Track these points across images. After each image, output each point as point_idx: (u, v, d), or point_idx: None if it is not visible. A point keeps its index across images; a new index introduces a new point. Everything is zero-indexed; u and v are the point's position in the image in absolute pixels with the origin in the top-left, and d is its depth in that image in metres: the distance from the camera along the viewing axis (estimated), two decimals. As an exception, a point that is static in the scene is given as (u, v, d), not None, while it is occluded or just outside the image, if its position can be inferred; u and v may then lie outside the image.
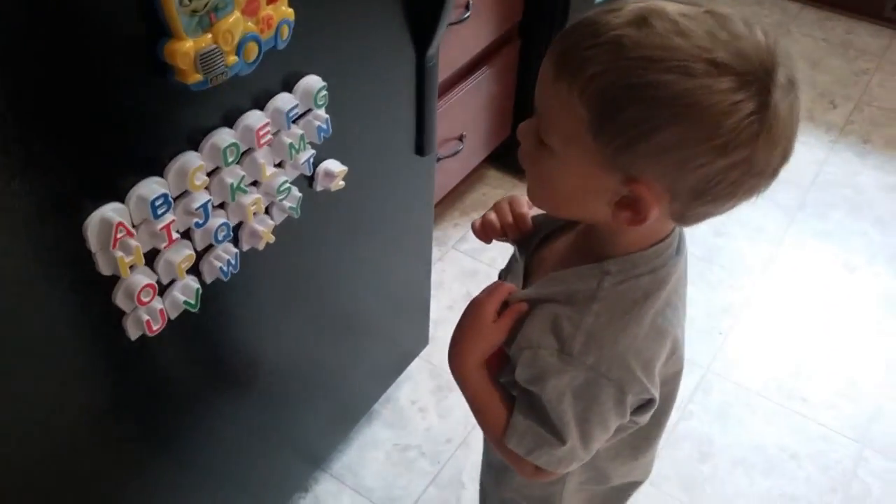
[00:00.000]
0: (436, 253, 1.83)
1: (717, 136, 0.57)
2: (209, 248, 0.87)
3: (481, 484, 1.05)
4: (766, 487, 1.44)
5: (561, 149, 0.63)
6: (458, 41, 1.55)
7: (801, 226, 1.95)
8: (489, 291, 0.77)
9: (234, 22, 0.73)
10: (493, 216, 0.87)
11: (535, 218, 0.85)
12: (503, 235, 0.87)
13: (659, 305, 0.71)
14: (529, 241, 0.84)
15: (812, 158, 2.12)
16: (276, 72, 0.86)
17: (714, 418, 1.53)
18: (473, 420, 0.80)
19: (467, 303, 0.79)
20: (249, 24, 0.75)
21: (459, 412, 1.52)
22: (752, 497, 1.43)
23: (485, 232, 0.88)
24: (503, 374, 0.78)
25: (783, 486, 1.44)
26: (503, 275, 0.91)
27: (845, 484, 1.44)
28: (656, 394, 0.73)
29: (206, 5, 0.70)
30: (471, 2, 1.52)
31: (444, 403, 1.55)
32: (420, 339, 1.54)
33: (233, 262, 0.89)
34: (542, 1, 1.72)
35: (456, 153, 1.71)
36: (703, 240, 1.86)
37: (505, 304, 0.76)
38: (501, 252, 1.85)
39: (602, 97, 0.58)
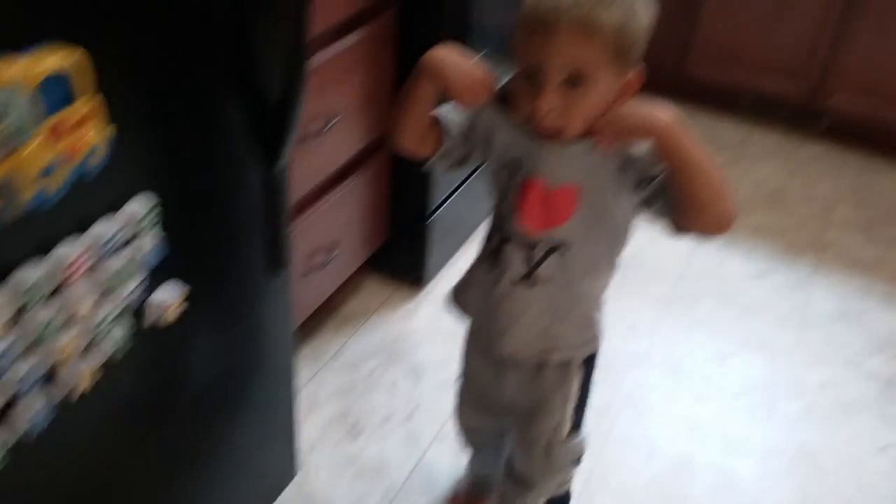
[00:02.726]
0: (308, 371, 1.74)
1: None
2: (14, 399, 0.76)
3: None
4: None
5: (595, 79, 0.90)
6: (325, 151, 1.53)
7: (673, 318, 1.99)
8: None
9: (33, 151, 0.67)
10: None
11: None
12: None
13: None
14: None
15: (680, 251, 2.19)
16: (95, 196, 0.79)
17: (602, 526, 1.49)
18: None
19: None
20: (54, 151, 0.69)
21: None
22: None
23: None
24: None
25: None
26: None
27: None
28: None
29: (-5, 135, 0.63)
30: (335, 113, 1.50)
31: (320, 533, 1.44)
32: (288, 468, 1.43)
33: (43, 413, 0.79)
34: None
35: (328, 263, 1.66)
36: (581, 338, 1.86)
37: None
38: (380, 364, 1.80)
39: (616, 28, 0.89)
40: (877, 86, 2.52)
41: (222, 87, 0.94)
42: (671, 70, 2.74)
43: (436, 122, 1.05)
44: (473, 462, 1.45)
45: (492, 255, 1.09)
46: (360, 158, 1.69)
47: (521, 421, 1.23)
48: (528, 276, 1.06)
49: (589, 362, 1.16)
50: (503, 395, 1.22)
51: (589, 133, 0.96)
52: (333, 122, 1.49)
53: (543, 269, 1.05)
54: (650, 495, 1.55)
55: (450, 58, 0.96)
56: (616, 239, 1.06)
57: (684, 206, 0.93)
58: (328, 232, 1.65)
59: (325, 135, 1.49)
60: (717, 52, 2.67)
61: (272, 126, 1.01)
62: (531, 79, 0.92)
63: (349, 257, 1.78)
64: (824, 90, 2.60)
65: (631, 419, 1.71)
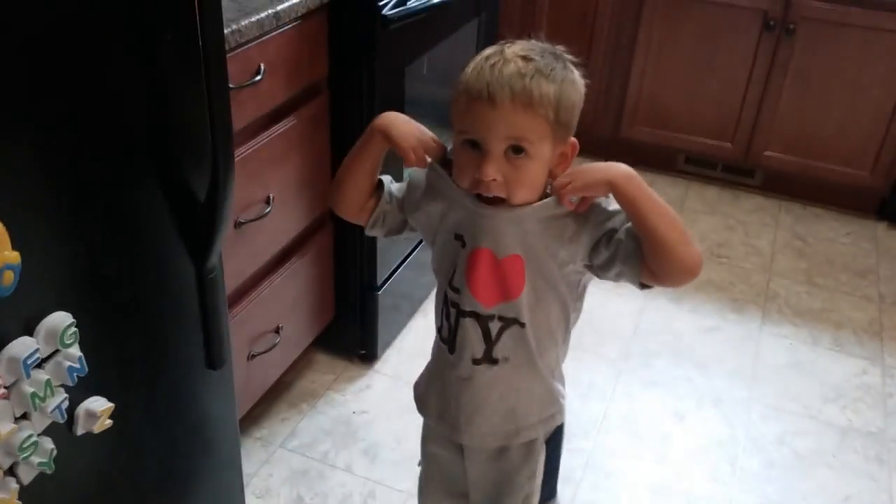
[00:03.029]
0: (261, 454, 1.69)
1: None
2: (-77, 535, 0.72)
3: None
4: None
5: (536, 148, 0.93)
6: (264, 235, 1.51)
7: (629, 377, 1.99)
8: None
9: (-67, 279, 0.64)
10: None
11: None
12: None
13: None
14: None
15: (631, 308, 2.20)
16: (9, 317, 0.76)
17: None
18: None
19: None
20: (-44, 277, 0.66)
21: None
22: None
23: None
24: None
25: None
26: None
27: None
28: None
29: None
30: (272, 196, 1.49)
31: None
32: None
33: (-41, 545, 0.75)
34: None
35: (273, 346, 1.62)
36: (538, 404, 1.84)
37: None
38: (335, 444, 1.75)
39: (554, 100, 0.92)
40: (800, 141, 2.61)
41: (145, 191, 0.92)
42: (608, 134, 2.80)
43: (377, 189, 1.07)
44: None
45: (449, 334, 1.06)
46: (301, 239, 1.68)
47: (487, 500, 1.20)
48: (489, 355, 1.04)
49: (555, 435, 1.14)
50: (467, 478, 1.19)
51: (534, 199, 0.97)
52: (271, 205, 1.48)
53: (502, 346, 1.03)
54: (616, 565, 1.52)
55: (399, 120, 1.02)
56: (565, 308, 1.05)
57: (653, 253, 0.93)
58: (272, 315, 1.62)
59: (263, 219, 1.47)
60: (647, 115, 2.74)
61: (202, 223, 1.00)
62: (474, 148, 0.93)
63: (296, 338, 1.75)
64: (754, 147, 2.68)
65: (594, 484, 1.68)
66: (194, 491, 1.17)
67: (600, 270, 0.99)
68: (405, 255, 1.96)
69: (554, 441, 1.15)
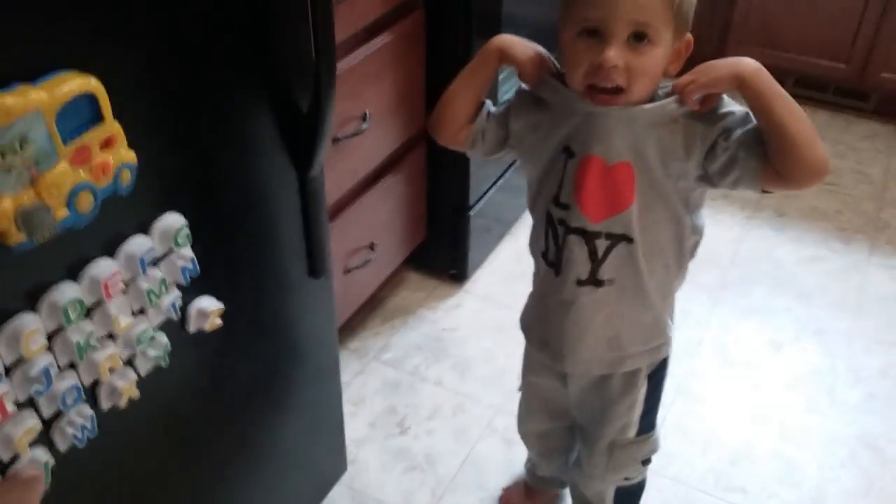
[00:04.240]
0: (355, 365, 1.75)
1: None
2: (59, 414, 0.78)
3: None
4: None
5: (660, 35, 0.89)
6: (360, 151, 1.53)
7: (726, 305, 1.94)
8: None
9: (61, 174, 0.68)
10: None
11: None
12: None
13: None
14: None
15: (729, 236, 2.14)
16: (126, 216, 0.80)
17: (655, 520, 1.46)
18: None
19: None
20: (81, 173, 0.70)
21: (386, 541, 1.42)
22: None
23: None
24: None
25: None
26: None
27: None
28: None
29: (24, 160, 0.64)
30: (368, 113, 1.50)
31: (370, 532, 1.45)
32: (337, 465, 1.44)
33: (89, 426, 0.81)
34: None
35: (368, 262, 1.66)
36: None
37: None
38: (426, 359, 1.80)
39: None
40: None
41: (251, 100, 0.94)
42: (712, 52, 2.65)
43: (478, 111, 1.07)
44: (539, 464, 1.42)
45: (555, 255, 1.04)
46: (396, 157, 1.69)
47: (585, 422, 1.21)
48: (594, 276, 1.02)
49: (659, 369, 1.13)
50: (568, 402, 1.21)
51: (651, 98, 0.94)
52: (367, 122, 1.49)
53: (608, 266, 1.01)
54: (708, 485, 1.52)
55: (515, 38, 1.02)
56: (679, 225, 1.00)
57: (780, 151, 0.89)
58: (367, 231, 1.65)
59: (359, 136, 1.49)
60: (756, 33, 2.59)
61: (304, 134, 1.01)
62: (592, 37, 0.90)
63: (389, 255, 1.78)
64: (870, 69, 2.49)
65: (685, 409, 1.67)
66: (295, 394, 1.23)
67: (717, 177, 0.95)
68: (497, 176, 1.95)
69: (657, 375, 1.14)
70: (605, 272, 1.01)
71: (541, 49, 1.01)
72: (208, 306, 0.93)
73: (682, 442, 1.60)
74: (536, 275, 1.13)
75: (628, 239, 0.99)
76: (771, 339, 1.85)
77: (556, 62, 1.01)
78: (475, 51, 1.63)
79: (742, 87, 0.89)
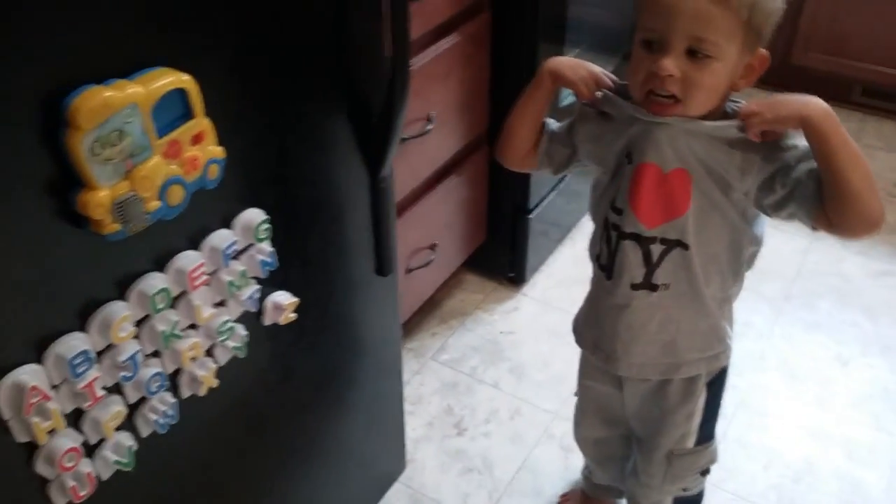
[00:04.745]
0: (413, 365, 1.76)
1: None
2: (142, 400, 0.80)
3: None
4: None
5: (722, 50, 0.87)
6: (424, 152, 1.54)
7: (789, 318, 1.90)
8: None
9: (154, 167, 0.70)
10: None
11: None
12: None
13: None
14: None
15: (795, 248, 2.09)
16: (211, 209, 0.82)
17: (714, 533, 1.44)
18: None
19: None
20: (172, 166, 0.72)
21: (442, 541, 1.43)
22: None
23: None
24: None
25: None
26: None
27: None
28: None
29: (120, 153, 0.67)
30: (433, 114, 1.51)
31: (426, 531, 1.46)
32: (397, 463, 1.45)
33: (171, 412, 0.83)
34: (507, 109, 1.71)
35: (429, 263, 1.67)
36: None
37: None
38: (483, 361, 1.80)
39: (751, 1, 0.85)
40: None
41: (328, 101, 0.95)
42: (777, 60, 2.57)
43: (542, 133, 1.07)
44: (595, 472, 1.41)
45: (608, 259, 1.04)
46: (459, 158, 1.69)
47: (642, 431, 1.20)
48: (648, 280, 1.01)
49: (718, 378, 1.11)
50: (624, 409, 1.20)
51: (710, 110, 0.92)
52: (432, 123, 1.50)
53: (663, 271, 1.00)
54: (770, 502, 1.49)
55: (566, 60, 1.02)
56: (735, 233, 0.99)
57: (835, 200, 0.87)
58: (429, 232, 1.66)
59: (424, 136, 1.50)
60: (823, 41, 2.52)
61: (376, 135, 1.02)
62: (650, 47, 0.89)
63: (449, 256, 1.79)
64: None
65: (747, 423, 1.64)
66: (359, 390, 1.24)
67: (771, 209, 0.94)
68: (557, 180, 1.94)
69: (716, 384, 1.12)
70: (660, 277, 1.00)
71: (593, 67, 1.01)
72: (283, 300, 0.95)
73: (743, 456, 1.57)
74: (592, 279, 1.12)
75: (683, 245, 0.98)
76: (837, 355, 1.80)
77: (612, 77, 1.01)
78: (540, 54, 1.65)
79: (807, 129, 0.87)
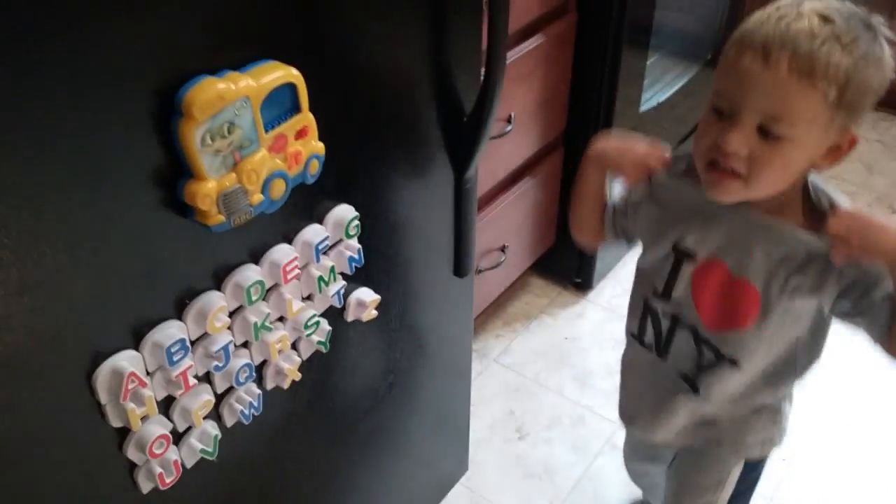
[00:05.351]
0: (476, 367, 1.75)
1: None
2: (229, 390, 0.81)
3: None
4: None
5: (800, 132, 0.76)
6: (501, 153, 1.53)
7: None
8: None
9: (260, 160, 0.70)
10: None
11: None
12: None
13: None
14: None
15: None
16: (306, 204, 0.82)
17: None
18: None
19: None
20: (276, 160, 0.72)
21: (501, 545, 1.41)
22: None
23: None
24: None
25: None
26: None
27: None
28: None
29: (229, 145, 0.67)
30: (513, 115, 1.49)
31: (485, 535, 1.45)
32: (459, 464, 1.45)
33: (255, 403, 0.84)
34: (586, 111, 1.69)
35: (498, 264, 1.65)
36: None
37: None
38: (546, 366, 1.78)
39: (843, 76, 0.74)
40: None
41: (423, 99, 0.94)
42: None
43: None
44: (644, 497, 1.40)
45: (653, 339, 0.98)
46: (535, 160, 1.67)
47: (669, 485, 1.17)
48: (693, 382, 0.95)
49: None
50: (662, 454, 1.18)
51: (777, 210, 0.83)
52: (511, 124, 1.49)
53: (708, 383, 0.94)
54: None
55: (610, 143, 0.97)
56: (790, 350, 0.91)
57: None
58: (500, 233, 1.65)
59: (503, 137, 1.48)
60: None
61: (465, 134, 1.01)
62: (720, 115, 0.79)
63: (518, 258, 1.77)
64: None
65: (819, 439, 1.58)
66: (429, 389, 1.23)
67: (837, 316, 0.86)
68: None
69: (755, 461, 1.06)
70: (703, 386, 0.95)
71: (642, 147, 0.93)
72: (366, 297, 0.94)
73: (816, 477, 1.52)
74: (626, 355, 1.09)
75: (732, 361, 0.91)
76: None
77: (665, 152, 0.93)
78: (623, 58, 1.62)
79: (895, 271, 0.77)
